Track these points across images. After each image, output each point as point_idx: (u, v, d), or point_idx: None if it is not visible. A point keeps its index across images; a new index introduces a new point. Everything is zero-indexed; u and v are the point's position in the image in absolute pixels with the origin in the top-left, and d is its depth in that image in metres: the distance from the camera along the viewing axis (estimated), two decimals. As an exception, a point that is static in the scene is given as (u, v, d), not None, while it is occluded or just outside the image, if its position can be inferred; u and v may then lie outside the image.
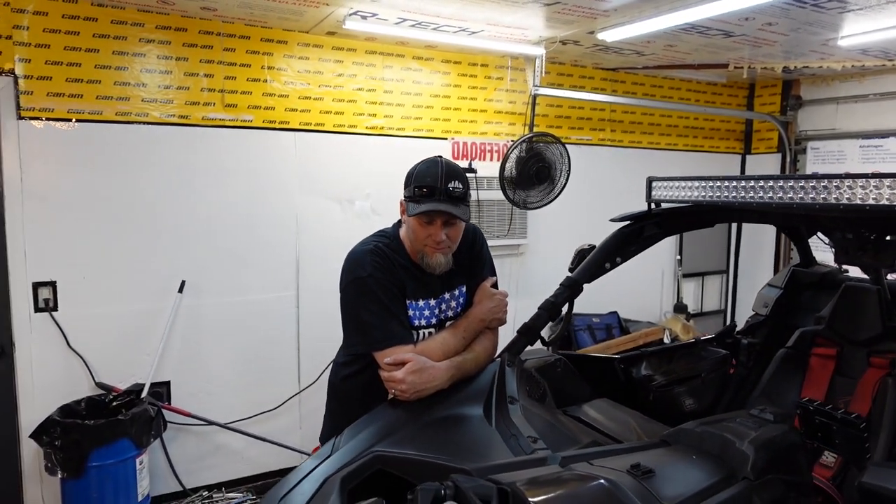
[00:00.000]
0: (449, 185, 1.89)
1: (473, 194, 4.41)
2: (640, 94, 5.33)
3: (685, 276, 5.69)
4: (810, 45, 4.20)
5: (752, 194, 1.79)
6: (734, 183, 1.86)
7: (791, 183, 1.68)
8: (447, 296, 2.05)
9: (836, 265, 2.80)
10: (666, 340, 4.79)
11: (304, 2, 3.34)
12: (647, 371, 2.53)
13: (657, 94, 5.42)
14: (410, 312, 1.98)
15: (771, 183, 1.74)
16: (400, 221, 2.09)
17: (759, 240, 5.81)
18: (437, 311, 2.03)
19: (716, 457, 1.53)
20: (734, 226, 5.96)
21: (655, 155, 5.45)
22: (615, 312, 5.21)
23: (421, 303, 2.00)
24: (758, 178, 1.78)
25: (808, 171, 5.43)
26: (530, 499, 1.31)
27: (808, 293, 2.82)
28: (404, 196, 1.97)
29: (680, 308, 5.54)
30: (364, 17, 3.59)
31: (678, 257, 5.63)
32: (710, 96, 5.72)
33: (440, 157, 1.98)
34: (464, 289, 2.09)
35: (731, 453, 1.51)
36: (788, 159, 5.53)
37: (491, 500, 1.34)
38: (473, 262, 2.11)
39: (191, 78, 3.68)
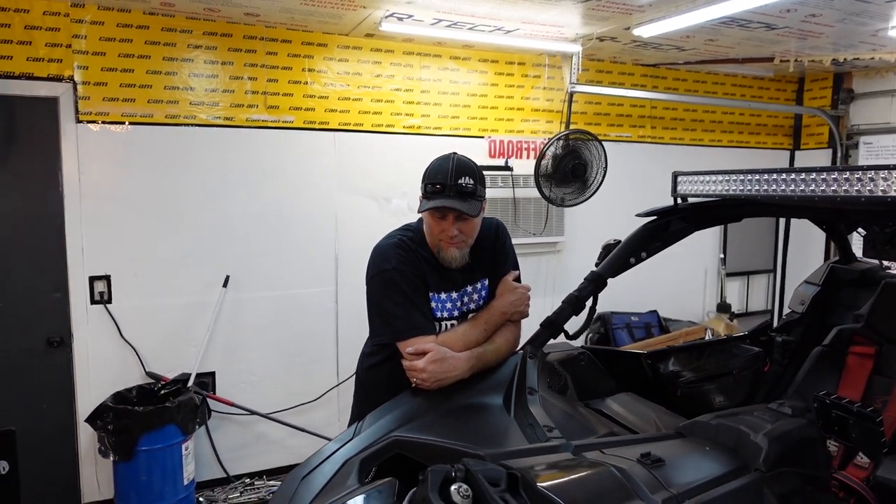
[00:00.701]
0: (459, 181, 1.93)
1: (510, 192, 4.47)
2: (683, 89, 5.25)
3: (729, 275, 5.56)
4: (859, 36, 4.06)
5: (773, 187, 1.78)
6: (757, 176, 1.84)
7: (813, 175, 1.66)
8: (469, 289, 2.10)
9: (877, 262, 2.72)
10: (707, 340, 4.70)
11: (342, 5, 3.44)
12: (674, 367, 2.51)
13: (700, 90, 5.33)
14: (433, 304, 2.03)
15: (793, 176, 1.72)
16: None
17: (809, 237, 5.61)
18: (458, 304, 2.08)
19: (730, 449, 1.53)
20: (782, 223, 5.78)
21: (698, 151, 5.35)
22: (655, 311, 5.15)
23: (443, 295, 2.05)
24: (780, 171, 1.76)
25: (861, 167, 5.23)
26: (539, 483, 1.35)
27: (848, 290, 2.74)
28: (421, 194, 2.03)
29: (723, 308, 5.42)
30: (400, 19, 3.67)
31: (721, 256, 5.51)
32: (757, 91, 5.57)
33: (454, 153, 2.02)
34: (486, 282, 2.13)
35: (745, 445, 1.51)
36: (840, 155, 5.34)
37: (500, 483, 1.39)
38: (496, 257, 2.14)
39: (235, 81, 3.83)
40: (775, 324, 2.89)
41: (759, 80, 5.54)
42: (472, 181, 1.94)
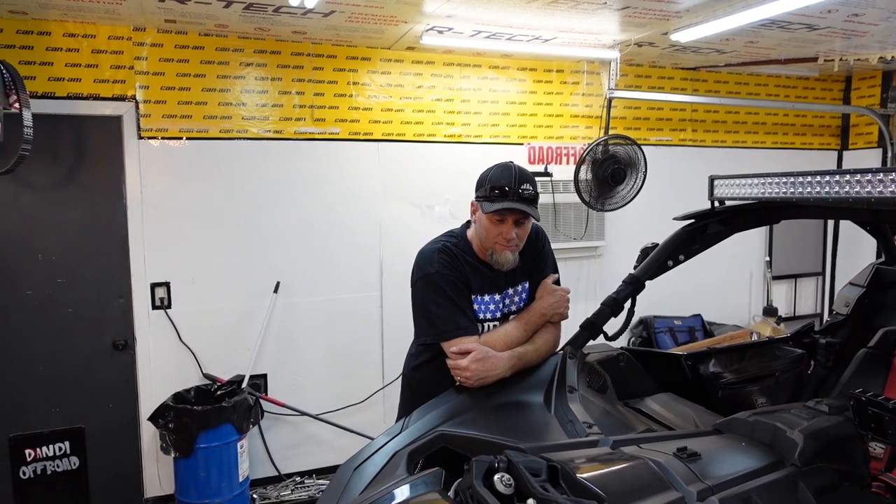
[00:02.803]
0: (521, 188, 2.03)
1: (549, 197, 4.53)
2: (724, 92, 5.22)
3: (776, 278, 5.48)
4: (907, 33, 3.98)
5: (808, 189, 1.80)
6: (793, 179, 1.87)
7: (847, 177, 1.68)
8: (510, 291, 2.18)
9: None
10: (752, 344, 4.65)
11: (384, 21, 3.57)
12: (715, 368, 2.53)
13: (742, 92, 5.29)
14: (476, 306, 2.12)
15: (827, 178, 1.74)
16: (468, 223, 2.24)
17: (860, 239, 5.49)
18: (500, 306, 2.16)
19: (766, 445, 1.57)
20: (830, 224, 5.68)
21: (741, 154, 5.31)
22: (699, 315, 5.12)
23: (486, 297, 2.14)
24: (814, 174, 1.78)
25: (913, 167, 5.10)
26: (578, 475, 1.42)
27: (893, 292, 2.70)
28: (477, 197, 2.11)
29: (770, 311, 5.34)
30: (440, 32, 3.79)
31: (767, 258, 5.44)
32: (802, 91, 5.49)
33: (511, 162, 2.11)
34: (526, 285, 2.21)
35: (781, 441, 1.54)
36: (890, 154, 5.22)
37: (541, 474, 1.46)
38: (536, 260, 2.22)
39: (284, 96, 4.02)
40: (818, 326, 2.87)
41: (803, 80, 5.46)
42: (531, 188, 2.05)
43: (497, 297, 2.16)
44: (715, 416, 2.08)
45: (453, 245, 2.15)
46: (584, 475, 1.42)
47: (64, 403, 3.68)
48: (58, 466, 3.66)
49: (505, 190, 2.01)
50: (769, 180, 1.99)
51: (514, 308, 2.20)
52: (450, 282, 2.07)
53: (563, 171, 4.60)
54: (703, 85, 5.15)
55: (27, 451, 3.60)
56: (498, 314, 2.17)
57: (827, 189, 1.75)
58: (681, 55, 4.58)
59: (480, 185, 2.10)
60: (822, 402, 1.67)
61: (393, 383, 4.27)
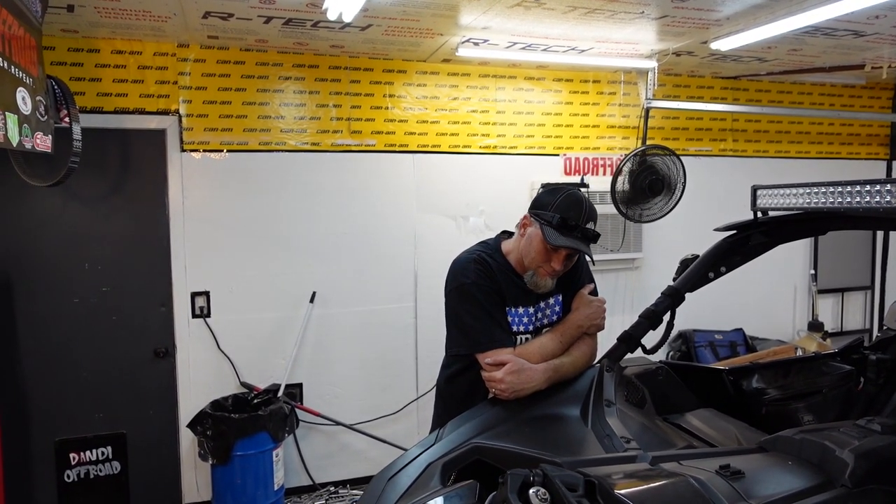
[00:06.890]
0: (587, 225, 2.01)
1: (585, 209, 4.47)
2: (766, 101, 5.10)
3: (821, 291, 5.31)
4: (960, 38, 3.84)
5: (858, 199, 1.74)
6: (840, 188, 1.81)
7: (899, 186, 1.63)
8: (542, 304, 2.15)
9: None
10: (797, 360, 4.50)
11: (420, 34, 3.61)
12: (759, 384, 2.45)
13: (785, 101, 5.16)
14: (509, 318, 2.10)
15: (878, 187, 1.68)
16: (503, 233, 2.23)
17: (912, 253, 5.30)
18: (533, 319, 2.13)
19: (814, 464, 1.51)
20: (880, 237, 5.48)
21: (784, 164, 5.18)
22: (740, 329, 4.98)
23: (520, 310, 2.12)
24: (863, 183, 1.72)
25: (968, 177, 4.89)
26: (616, 491, 1.39)
27: (950, 307, 2.59)
28: (542, 220, 2.01)
29: (815, 326, 5.17)
30: (476, 44, 3.80)
31: (812, 272, 5.27)
32: (848, 100, 5.33)
33: (580, 192, 2.07)
34: (559, 297, 2.18)
35: (830, 461, 1.48)
36: (943, 164, 5.03)
37: (578, 489, 1.43)
38: (570, 272, 2.17)
39: (322, 109, 4.08)
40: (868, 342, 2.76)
41: (849, 87, 5.30)
42: (594, 226, 2.03)
43: (531, 309, 2.13)
44: (758, 434, 2.01)
45: (488, 256, 2.13)
46: (623, 491, 1.38)
47: (107, 409, 3.77)
48: (100, 471, 3.74)
49: (574, 225, 1.98)
50: (815, 190, 1.93)
51: (546, 321, 2.16)
52: (485, 292, 2.05)
53: (600, 182, 4.55)
54: (744, 94, 5.05)
55: (72, 455, 3.70)
56: (531, 327, 2.13)
57: (878, 199, 1.68)
58: (721, 64, 4.50)
59: (544, 207, 2.02)
60: (874, 420, 1.60)
61: (427, 394, 4.26)
